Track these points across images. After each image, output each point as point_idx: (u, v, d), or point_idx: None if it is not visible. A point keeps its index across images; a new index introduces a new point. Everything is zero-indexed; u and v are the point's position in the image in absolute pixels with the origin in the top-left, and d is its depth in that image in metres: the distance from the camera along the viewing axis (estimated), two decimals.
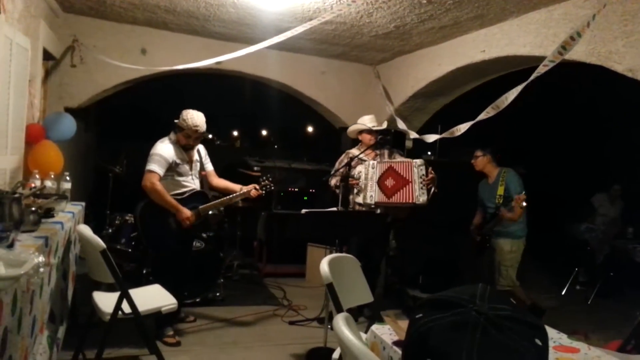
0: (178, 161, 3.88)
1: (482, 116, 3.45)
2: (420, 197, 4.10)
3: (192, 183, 4.00)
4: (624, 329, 3.13)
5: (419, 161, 4.17)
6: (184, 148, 3.93)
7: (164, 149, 3.83)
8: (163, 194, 3.75)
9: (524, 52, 4.02)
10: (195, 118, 3.83)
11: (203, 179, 4.22)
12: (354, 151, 4.70)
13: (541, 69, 3.19)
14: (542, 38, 3.82)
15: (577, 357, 1.92)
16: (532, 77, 3.20)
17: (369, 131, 4.64)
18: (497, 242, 4.59)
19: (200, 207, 3.93)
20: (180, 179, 3.92)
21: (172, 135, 3.94)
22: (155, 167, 3.75)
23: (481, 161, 4.73)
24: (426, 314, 0.89)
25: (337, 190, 4.38)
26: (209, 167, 4.25)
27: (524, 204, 4.18)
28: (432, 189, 4.17)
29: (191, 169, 4.00)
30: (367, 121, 4.72)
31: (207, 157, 4.25)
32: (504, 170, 4.64)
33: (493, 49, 4.35)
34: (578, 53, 3.46)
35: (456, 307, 0.87)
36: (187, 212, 3.83)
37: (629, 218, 6.80)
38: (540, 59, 3.91)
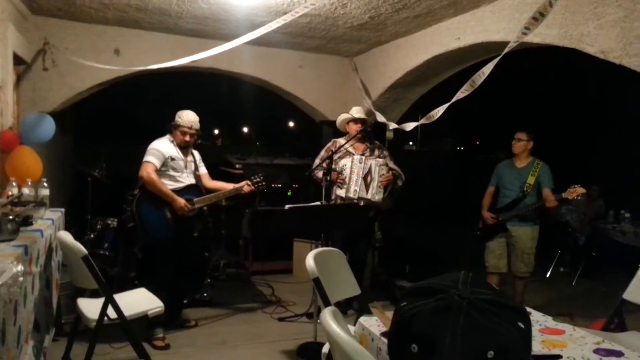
0: (173, 157, 4.04)
1: (459, 95, 3.46)
2: (376, 195, 4.44)
3: (187, 180, 4.14)
4: (607, 308, 3.19)
5: (380, 160, 4.52)
6: (180, 147, 4.10)
7: (161, 144, 4.03)
8: (159, 184, 3.91)
9: (497, 38, 4.04)
10: (189, 115, 4.06)
11: (197, 180, 4.31)
12: (341, 140, 4.71)
13: (506, 50, 3.22)
14: (515, 23, 3.85)
15: (563, 339, 1.96)
16: (496, 59, 3.22)
17: (354, 120, 4.67)
18: (518, 230, 4.49)
19: (195, 199, 4.06)
20: (175, 174, 4.07)
21: (169, 135, 4.13)
22: (152, 159, 3.93)
23: (522, 145, 4.56)
24: (410, 301, 0.90)
25: (323, 183, 4.40)
26: (203, 169, 4.41)
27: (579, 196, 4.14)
28: (389, 189, 4.53)
29: (186, 167, 4.15)
30: (354, 112, 4.75)
31: (201, 161, 4.42)
32: (537, 161, 4.54)
33: (468, 36, 4.38)
34: (551, 36, 3.49)
35: (439, 293, 0.87)
36: (181, 201, 3.96)
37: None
38: None
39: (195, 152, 4.34)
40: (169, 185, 3.99)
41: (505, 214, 4.53)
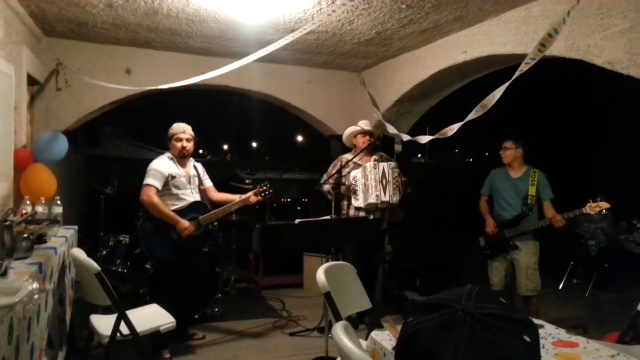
0: (174, 174, 3.96)
1: (472, 116, 3.46)
2: (394, 197, 4.49)
3: (191, 197, 4.05)
4: (622, 320, 3.15)
5: (392, 163, 4.61)
6: (181, 158, 4.04)
7: (159, 164, 3.95)
8: (161, 207, 3.82)
9: (504, 51, 4.06)
10: (179, 123, 4.07)
11: (203, 194, 4.26)
12: (347, 156, 4.75)
13: (523, 67, 3.21)
14: (521, 36, 3.87)
15: (577, 351, 1.94)
16: (515, 76, 3.22)
17: (363, 133, 4.70)
18: (524, 245, 4.24)
19: (200, 217, 3.97)
20: (179, 192, 3.98)
21: (168, 153, 4.07)
22: (152, 181, 3.84)
23: (511, 154, 4.35)
24: (415, 317, 0.90)
25: (330, 196, 4.43)
26: (208, 182, 4.33)
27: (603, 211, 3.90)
28: (402, 191, 4.59)
29: (189, 182, 4.06)
30: (362, 125, 4.79)
31: (205, 173, 4.35)
32: (534, 170, 4.32)
33: (474, 50, 4.40)
34: (558, 48, 3.50)
35: (443, 308, 0.88)
36: (185, 223, 3.87)
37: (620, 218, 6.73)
38: (520, 57, 3.94)
39: (199, 165, 4.28)
40: (172, 205, 3.92)
41: (513, 230, 4.27)
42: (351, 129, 4.84)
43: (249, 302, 5.51)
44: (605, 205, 3.86)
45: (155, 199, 3.81)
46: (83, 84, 5.04)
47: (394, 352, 1.91)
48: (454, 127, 3.73)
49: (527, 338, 0.85)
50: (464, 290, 0.91)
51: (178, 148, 4.02)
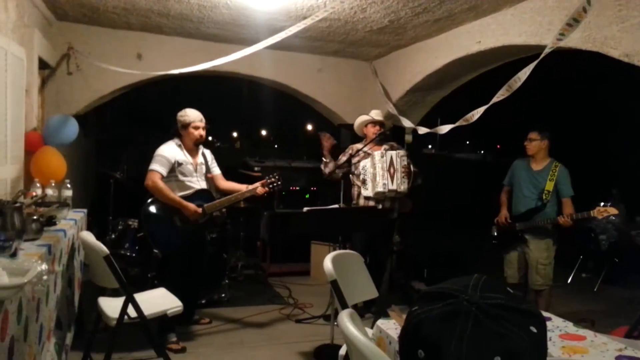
0: (180, 161, 3.91)
1: (496, 99, 3.39)
2: (401, 185, 4.47)
3: (197, 184, 4.01)
4: (631, 315, 3.12)
5: (401, 152, 4.59)
6: (195, 145, 4.01)
7: (166, 150, 3.91)
8: (166, 191, 3.79)
9: (519, 42, 4.00)
10: (194, 111, 4.00)
11: (210, 182, 4.21)
12: (358, 145, 4.74)
13: (543, 55, 3.16)
14: (536, 26, 3.81)
15: (584, 344, 1.93)
16: (537, 61, 3.16)
17: (373, 122, 4.68)
18: (533, 241, 4.23)
19: (206, 205, 3.93)
20: (185, 179, 3.94)
21: (176, 139, 4.00)
22: (157, 167, 3.82)
23: (537, 145, 4.26)
24: (420, 306, 0.89)
25: (334, 174, 4.46)
26: (216, 170, 4.28)
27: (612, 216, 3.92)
28: (411, 179, 4.56)
29: (196, 170, 4.02)
30: (373, 115, 4.76)
31: (214, 161, 4.30)
32: (556, 163, 4.24)
33: (488, 40, 4.34)
34: (574, 40, 3.44)
35: (449, 297, 0.87)
36: (192, 206, 3.84)
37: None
38: (535, 48, 3.91)
39: (207, 152, 4.23)
40: (179, 191, 3.88)
41: (524, 223, 4.26)
42: (362, 118, 4.82)
43: (256, 289, 5.55)
44: (613, 211, 3.83)
45: (160, 184, 3.78)
46: (94, 69, 5.04)
47: (398, 341, 1.91)
48: (479, 111, 3.63)
49: (533, 329, 0.84)
50: (470, 280, 0.90)
51: (196, 136, 3.96)
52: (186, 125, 3.96)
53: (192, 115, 3.96)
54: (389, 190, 4.45)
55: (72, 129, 4.30)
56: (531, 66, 3.19)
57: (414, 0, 4.01)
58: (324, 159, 4.71)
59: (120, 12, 4.63)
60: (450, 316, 0.84)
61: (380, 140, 4.67)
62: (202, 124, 3.99)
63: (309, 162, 7.08)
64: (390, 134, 4.85)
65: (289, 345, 4.04)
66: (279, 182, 4.15)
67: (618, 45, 3.19)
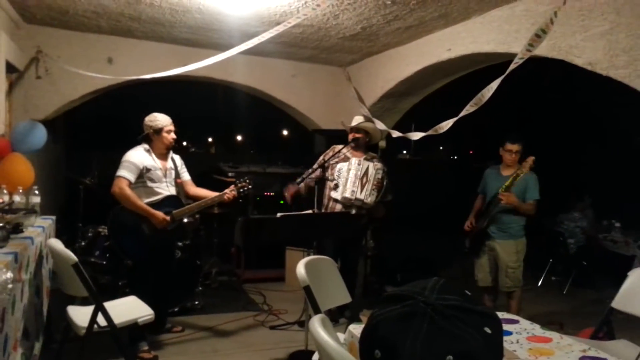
0: (149, 167, 3.82)
1: (463, 113, 3.47)
2: (369, 197, 4.45)
3: (166, 190, 3.92)
4: (598, 317, 3.21)
5: (378, 165, 4.59)
6: (167, 150, 3.94)
7: (134, 155, 3.80)
8: (133, 199, 3.69)
9: (488, 50, 4.10)
10: (162, 115, 3.94)
11: (180, 188, 4.13)
12: (339, 146, 4.70)
13: (512, 67, 3.23)
14: (505, 35, 3.91)
15: (550, 346, 1.98)
16: (504, 75, 3.23)
17: (351, 129, 4.68)
18: (500, 243, 4.28)
19: (174, 211, 3.84)
20: (153, 185, 3.85)
21: (144, 144, 3.91)
22: (124, 173, 3.71)
23: (518, 157, 4.28)
24: (381, 308, 0.91)
25: (309, 185, 4.46)
26: (186, 176, 4.20)
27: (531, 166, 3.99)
28: (381, 193, 4.56)
29: (165, 175, 3.94)
30: (354, 122, 4.75)
31: (184, 166, 4.22)
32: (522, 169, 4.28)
33: (458, 47, 4.43)
34: (540, 48, 3.52)
35: (407, 299, 0.88)
36: (160, 215, 3.75)
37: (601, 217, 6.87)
38: (503, 56, 4.01)
39: (177, 157, 4.14)
40: (147, 198, 3.79)
41: (483, 218, 4.36)
42: (356, 119, 4.78)
43: (230, 296, 5.50)
44: (531, 158, 4.05)
45: (127, 191, 3.66)
46: (63, 73, 4.96)
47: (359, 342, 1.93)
48: (448, 123, 3.70)
49: (488, 330, 0.86)
50: (428, 282, 0.92)
51: (170, 140, 3.90)
52: (159, 130, 3.87)
53: (163, 120, 3.89)
54: (356, 199, 4.44)
55: (40, 136, 4.22)
56: (498, 81, 3.26)
57: (385, 7, 4.06)
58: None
59: (91, 15, 4.57)
60: (406, 317, 0.86)
61: (360, 147, 4.66)
62: (174, 128, 3.95)
63: (283, 168, 7.06)
64: (361, 141, 4.77)
65: (263, 352, 4.02)
66: (250, 187, 4.08)
67: (582, 53, 3.29)
